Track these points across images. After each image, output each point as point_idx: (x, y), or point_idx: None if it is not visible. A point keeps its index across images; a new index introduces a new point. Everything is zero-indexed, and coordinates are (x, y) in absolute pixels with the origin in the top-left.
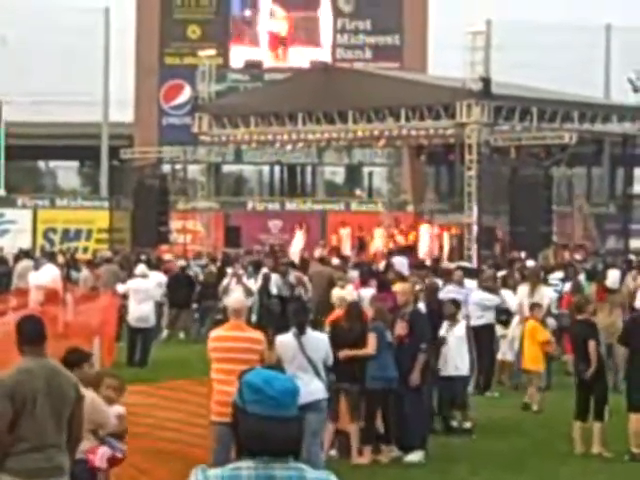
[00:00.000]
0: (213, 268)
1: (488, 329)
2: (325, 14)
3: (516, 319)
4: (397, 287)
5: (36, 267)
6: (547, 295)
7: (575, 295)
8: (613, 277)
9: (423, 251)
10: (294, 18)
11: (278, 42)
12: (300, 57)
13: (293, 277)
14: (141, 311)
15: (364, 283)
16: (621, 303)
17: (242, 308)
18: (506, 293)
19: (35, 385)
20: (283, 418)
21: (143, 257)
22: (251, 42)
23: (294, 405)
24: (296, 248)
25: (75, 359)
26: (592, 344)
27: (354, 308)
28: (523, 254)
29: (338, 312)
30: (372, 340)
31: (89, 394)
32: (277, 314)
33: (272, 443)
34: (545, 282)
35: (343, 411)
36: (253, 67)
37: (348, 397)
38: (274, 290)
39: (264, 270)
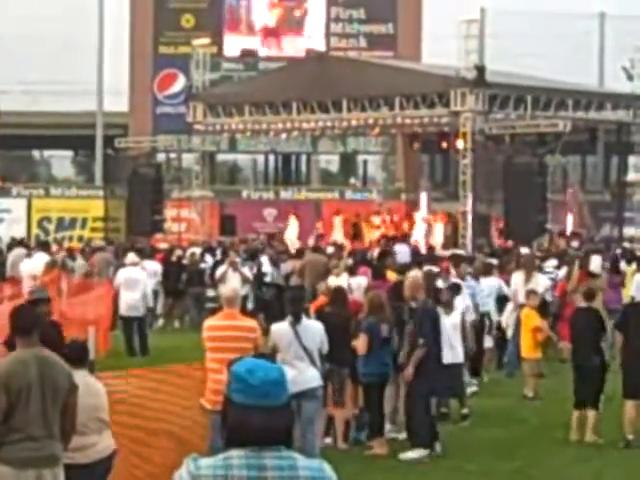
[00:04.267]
0: (197, 253)
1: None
2: (315, 4)
3: (510, 306)
4: (406, 280)
5: (29, 256)
6: (542, 283)
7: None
8: (596, 262)
9: (416, 239)
10: (285, 7)
11: (269, 32)
12: (293, 46)
13: (289, 266)
14: (130, 300)
15: (353, 272)
16: (601, 288)
17: (235, 297)
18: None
19: (29, 375)
20: (266, 408)
21: (139, 245)
22: (246, 31)
23: (279, 395)
24: (291, 235)
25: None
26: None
27: (338, 294)
28: (510, 242)
29: (322, 299)
30: (362, 340)
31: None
32: (271, 302)
33: (256, 433)
34: (540, 270)
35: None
36: (248, 56)
37: (334, 380)
38: (268, 278)
39: (262, 258)
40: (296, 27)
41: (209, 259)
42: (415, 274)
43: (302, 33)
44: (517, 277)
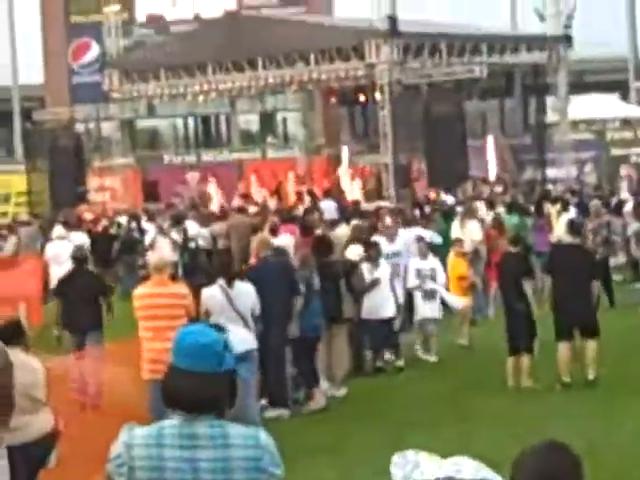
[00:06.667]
0: (123, 222)
1: None
2: None
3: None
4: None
5: None
6: (476, 230)
7: (495, 228)
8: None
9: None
10: None
11: None
12: (200, 4)
13: (216, 228)
14: (60, 274)
15: (274, 233)
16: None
17: (163, 264)
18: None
19: None
20: (195, 374)
21: (64, 218)
22: None
23: (208, 361)
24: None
25: (10, 335)
26: (528, 281)
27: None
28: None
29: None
30: None
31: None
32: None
33: (184, 398)
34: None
35: None
36: (155, 21)
37: None
38: (200, 242)
39: (186, 223)
40: None
41: (135, 226)
42: (343, 230)
43: None
44: (454, 225)
